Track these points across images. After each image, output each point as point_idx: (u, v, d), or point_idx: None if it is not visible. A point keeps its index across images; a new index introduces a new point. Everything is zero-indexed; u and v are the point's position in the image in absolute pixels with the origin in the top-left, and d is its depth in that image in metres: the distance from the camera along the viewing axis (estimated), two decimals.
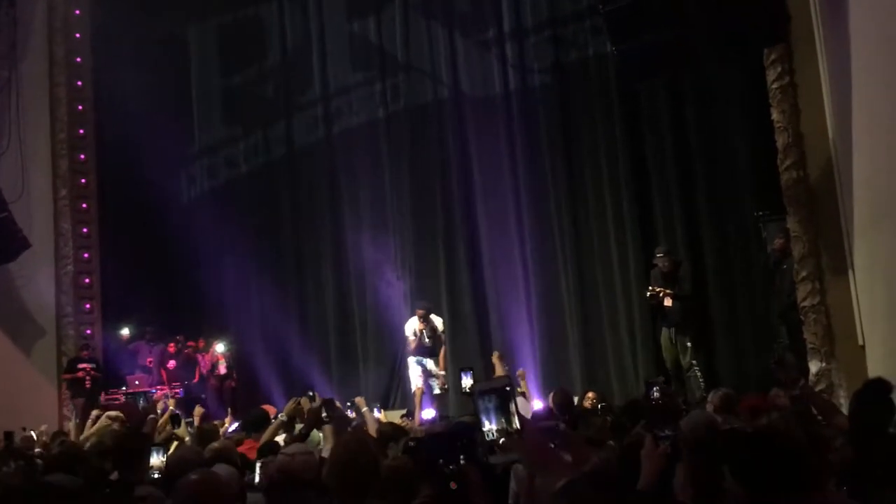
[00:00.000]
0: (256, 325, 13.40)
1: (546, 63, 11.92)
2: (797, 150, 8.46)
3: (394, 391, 12.37)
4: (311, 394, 6.75)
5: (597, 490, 2.61)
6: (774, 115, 8.63)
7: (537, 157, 11.86)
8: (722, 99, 10.44)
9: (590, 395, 8.15)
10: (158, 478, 4.50)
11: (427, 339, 10.79)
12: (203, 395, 12.01)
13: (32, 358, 12.64)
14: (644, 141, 11.06)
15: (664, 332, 9.97)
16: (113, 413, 7.81)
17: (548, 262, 11.70)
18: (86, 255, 13.30)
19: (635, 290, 10.75)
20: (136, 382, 12.44)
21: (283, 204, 13.87)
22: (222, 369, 12.91)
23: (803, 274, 8.42)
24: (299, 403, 6.60)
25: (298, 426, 6.76)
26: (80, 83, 13.56)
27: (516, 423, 2.49)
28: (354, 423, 6.83)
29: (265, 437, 5.99)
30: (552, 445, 2.62)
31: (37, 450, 7.86)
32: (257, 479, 4.46)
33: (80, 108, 13.53)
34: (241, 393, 12.88)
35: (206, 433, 6.37)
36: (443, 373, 10.83)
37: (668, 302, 9.68)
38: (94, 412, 8.54)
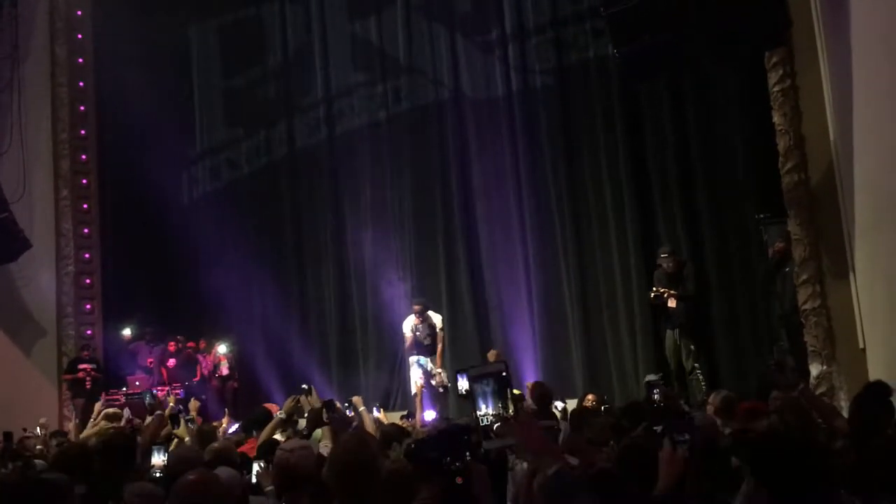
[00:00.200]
0: (257, 325, 13.39)
1: (548, 65, 11.92)
2: (798, 152, 8.47)
3: (394, 392, 12.37)
4: (305, 387, 6.77)
5: (602, 494, 2.63)
6: (776, 118, 8.63)
7: (538, 157, 11.86)
8: (723, 101, 10.44)
9: (589, 396, 8.16)
10: (160, 476, 4.50)
11: (426, 338, 10.78)
12: (203, 396, 12.00)
13: (33, 358, 12.65)
14: (645, 143, 11.07)
15: (669, 333, 9.97)
16: (111, 411, 7.82)
17: (549, 264, 11.69)
18: (87, 256, 13.31)
19: (636, 291, 10.75)
20: (137, 383, 12.44)
21: (285, 205, 13.87)
22: (225, 370, 12.91)
23: (804, 277, 8.42)
24: (298, 401, 6.62)
25: (302, 423, 6.79)
26: (81, 84, 13.58)
27: (511, 409, 2.50)
28: (355, 424, 6.84)
29: (263, 435, 6.01)
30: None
31: (38, 447, 7.88)
32: (254, 479, 4.46)
33: (82, 108, 13.54)
34: (243, 393, 12.89)
35: (205, 434, 6.37)
36: (440, 370, 10.82)
37: (672, 303, 9.69)
38: (98, 405, 8.54)
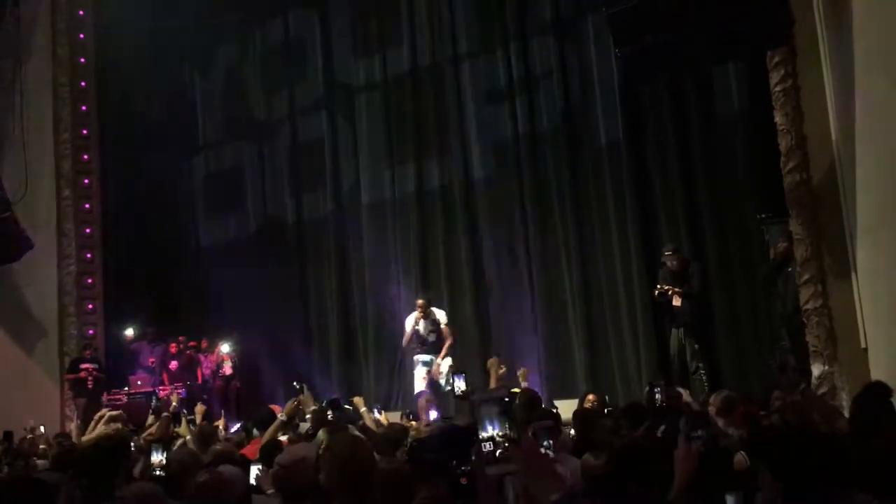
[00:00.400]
0: (258, 326, 13.40)
1: (548, 66, 11.90)
2: (800, 152, 8.44)
3: (395, 392, 12.37)
4: (297, 385, 6.79)
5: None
6: (777, 118, 8.60)
7: (539, 158, 11.85)
8: (725, 101, 10.43)
9: (590, 397, 8.12)
10: (160, 476, 4.49)
11: (429, 334, 10.74)
12: (205, 396, 12.01)
13: (35, 358, 12.67)
14: (646, 142, 11.05)
15: (674, 332, 9.95)
16: (114, 413, 7.81)
17: (551, 264, 11.67)
18: (89, 256, 13.33)
19: (639, 291, 10.72)
20: (139, 383, 12.46)
21: (286, 205, 13.88)
22: (228, 370, 12.90)
23: (806, 277, 8.40)
24: (299, 403, 6.62)
25: (303, 426, 6.80)
26: (83, 84, 13.60)
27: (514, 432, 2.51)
28: (360, 423, 6.84)
29: (266, 437, 6.01)
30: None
31: (42, 446, 7.89)
32: (252, 481, 4.46)
33: (84, 108, 13.56)
34: (245, 393, 12.90)
35: (205, 434, 6.37)
36: (440, 361, 10.74)
37: (676, 301, 9.66)
38: (103, 411, 8.54)
